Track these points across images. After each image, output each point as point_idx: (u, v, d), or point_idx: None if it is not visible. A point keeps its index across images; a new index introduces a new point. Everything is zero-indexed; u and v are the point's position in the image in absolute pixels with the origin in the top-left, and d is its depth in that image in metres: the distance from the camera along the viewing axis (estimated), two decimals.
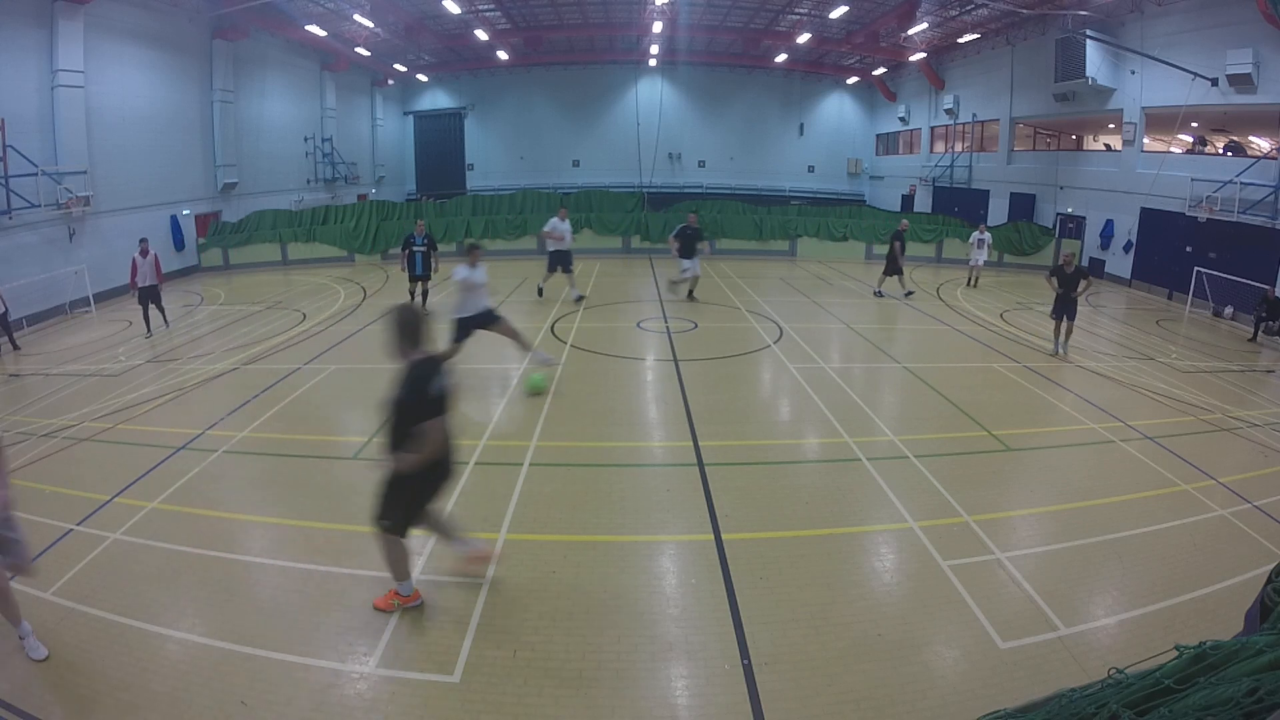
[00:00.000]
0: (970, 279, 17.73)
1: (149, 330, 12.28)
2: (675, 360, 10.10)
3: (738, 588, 4.63)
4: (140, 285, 12.20)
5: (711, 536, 5.28)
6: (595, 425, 7.64)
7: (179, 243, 19.24)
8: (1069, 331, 10.86)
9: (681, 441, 7.18)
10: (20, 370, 10.63)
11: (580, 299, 14.20)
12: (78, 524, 5.46)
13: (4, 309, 11.99)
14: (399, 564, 4.24)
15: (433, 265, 13.04)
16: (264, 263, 20.00)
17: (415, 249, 12.88)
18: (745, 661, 3.95)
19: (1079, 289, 10.62)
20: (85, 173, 15.42)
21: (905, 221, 17.33)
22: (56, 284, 14.63)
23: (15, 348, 12.04)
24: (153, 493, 5.99)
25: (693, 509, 5.74)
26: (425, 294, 13.20)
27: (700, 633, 4.21)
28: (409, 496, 4.03)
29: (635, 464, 6.73)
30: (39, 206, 14.24)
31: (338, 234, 20.81)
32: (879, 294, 15.70)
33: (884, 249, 21.72)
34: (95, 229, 16.10)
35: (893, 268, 15.59)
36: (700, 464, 6.58)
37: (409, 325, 3.92)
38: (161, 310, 12.64)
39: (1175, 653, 2.35)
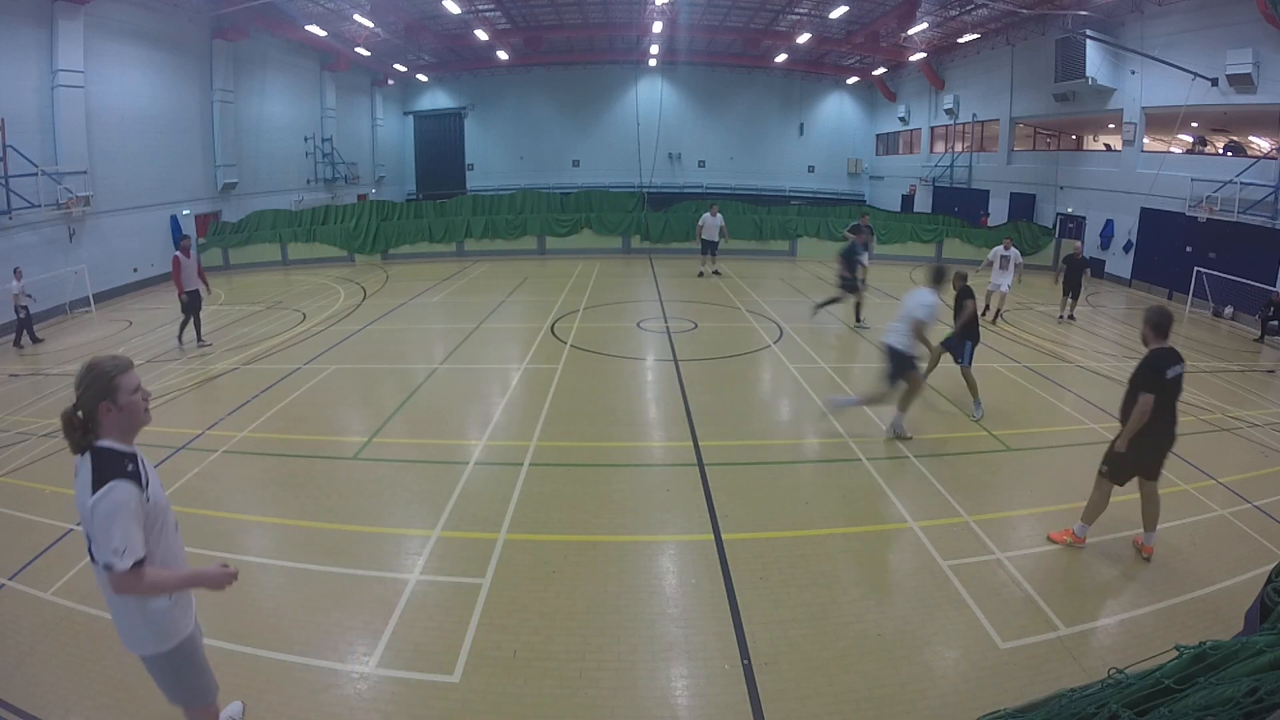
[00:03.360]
0: (992, 309, 13.36)
1: (203, 339, 11.24)
2: (675, 360, 10.10)
3: (738, 588, 4.63)
4: (187, 289, 11.03)
5: (711, 536, 5.28)
6: (595, 425, 7.64)
7: (179, 243, 19.21)
8: (931, 364, 8.63)
9: (681, 441, 7.18)
10: (20, 370, 10.64)
11: (716, 273, 17.62)
12: (78, 524, 5.43)
13: (29, 301, 12.47)
14: (1093, 508, 5.08)
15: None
16: (264, 263, 20.01)
17: (859, 259, 12.15)
18: (745, 661, 3.95)
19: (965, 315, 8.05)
20: (85, 173, 15.43)
21: (1079, 244, 15.43)
22: (56, 284, 14.64)
23: (36, 339, 12.46)
24: None
25: (693, 509, 5.74)
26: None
27: (700, 633, 4.21)
28: (1123, 454, 4.87)
29: (635, 464, 6.73)
30: (39, 206, 14.25)
31: (338, 234, 20.81)
32: (1071, 318, 13.87)
33: (886, 249, 21.78)
34: (95, 229, 16.11)
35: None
36: (700, 464, 6.58)
37: (1162, 322, 4.82)
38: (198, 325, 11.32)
39: (1175, 653, 2.35)
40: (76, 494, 2.45)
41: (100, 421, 2.47)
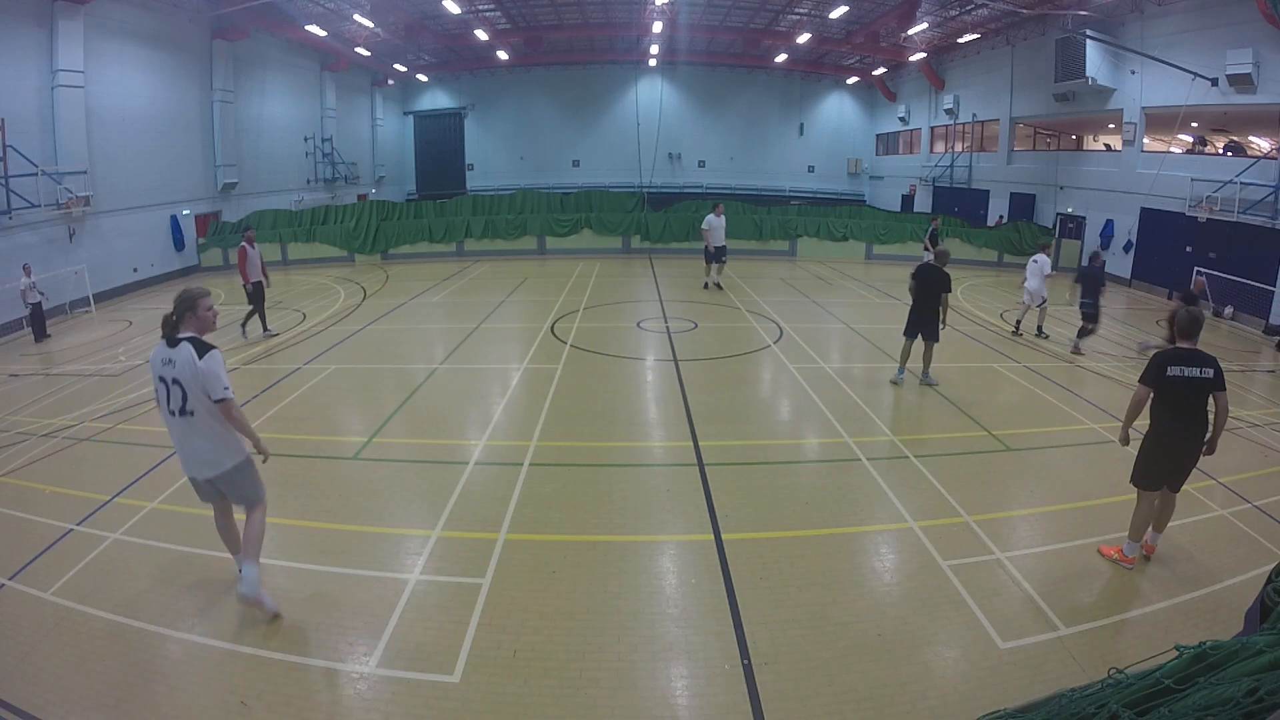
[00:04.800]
0: (1032, 323, 12.25)
1: (269, 329, 11.76)
2: (675, 360, 10.10)
3: (738, 588, 4.63)
4: (253, 280, 11.43)
5: (711, 536, 5.28)
6: (595, 425, 7.64)
7: (179, 243, 19.27)
8: (927, 357, 9.02)
9: (681, 441, 7.18)
10: (20, 370, 10.64)
11: (719, 286, 15.63)
12: (78, 524, 5.46)
13: (40, 298, 12.82)
14: (1135, 523, 4.96)
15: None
16: (264, 262, 19.98)
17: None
18: (745, 661, 3.95)
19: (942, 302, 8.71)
20: (85, 173, 15.44)
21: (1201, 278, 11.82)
22: (57, 284, 14.63)
23: (45, 335, 12.76)
24: (153, 493, 5.99)
25: (693, 509, 5.74)
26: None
27: (700, 633, 4.21)
28: (1144, 459, 4.92)
29: (635, 464, 6.73)
30: (39, 206, 14.26)
31: (338, 234, 20.81)
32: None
33: (885, 249, 21.79)
34: (95, 229, 16.12)
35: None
36: (700, 464, 6.58)
37: (1182, 322, 4.76)
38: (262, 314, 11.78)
39: (1175, 653, 2.35)
40: (178, 365, 3.97)
41: (185, 323, 4.08)
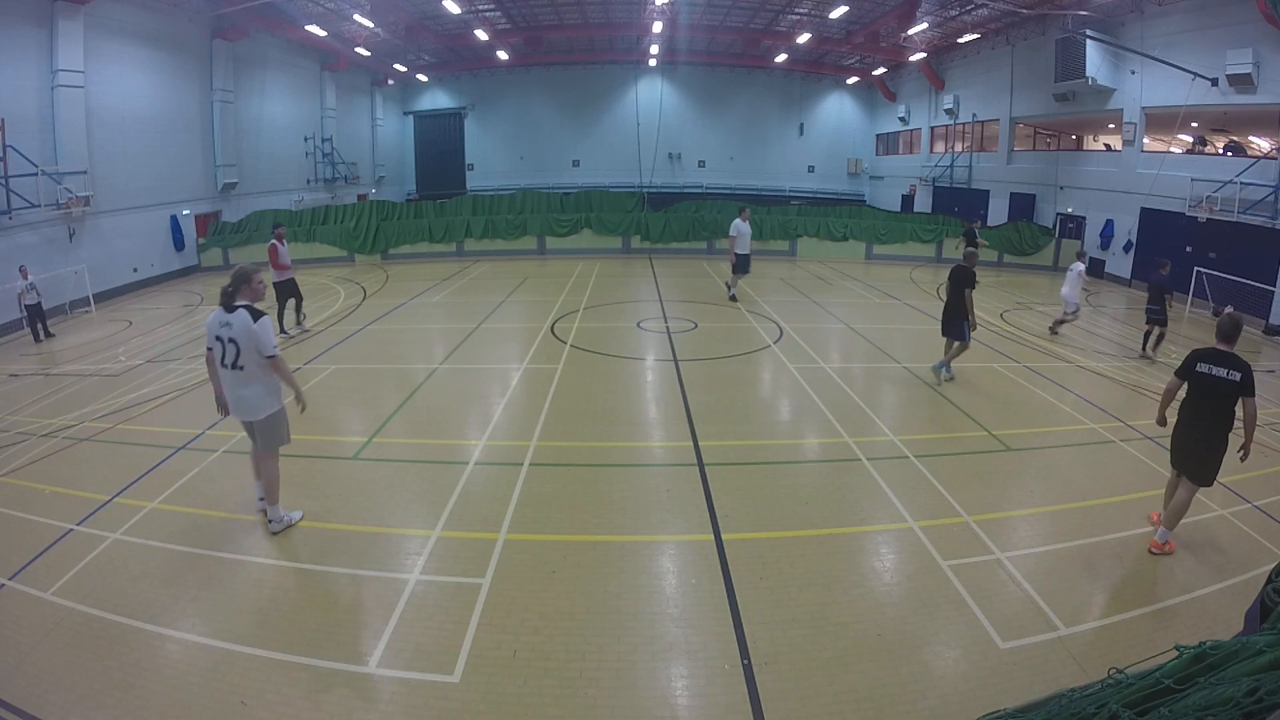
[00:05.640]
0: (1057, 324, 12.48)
1: (290, 329, 11.70)
2: (675, 360, 10.10)
3: (738, 588, 4.63)
4: (281, 278, 11.40)
5: (711, 536, 5.28)
6: (595, 425, 7.64)
7: (179, 243, 19.26)
8: (951, 353, 9.31)
9: (681, 441, 7.18)
10: (20, 370, 10.64)
11: (733, 299, 14.46)
12: (78, 524, 5.46)
13: (38, 299, 12.76)
14: (1167, 492, 5.28)
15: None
16: (264, 262, 19.90)
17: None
18: (745, 661, 3.95)
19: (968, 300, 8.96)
20: (85, 173, 15.43)
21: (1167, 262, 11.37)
22: (57, 284, 14.62)
23: (48, 335, 12.74)
24: (153, 493, 5.99)
25: (693, 509, 5.74)
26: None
27: (700, 633, 4.21)
28: (1174, 440, 5.20)
29: (635, 464, 6.73)
30: (39, 206, 14.25)
31: (338, 234, 20.81)
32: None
33: (885, 249, 21.83)
34: (95, 229, 16.11)
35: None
36: (700, 464, 6.58)
37: (1222, 326, 5.04)
38: (299, 307, 11.91)
39: (1175, 653, 2.35)
40: (235, 327, 4.87)
41: (241, 294, 4.97)
